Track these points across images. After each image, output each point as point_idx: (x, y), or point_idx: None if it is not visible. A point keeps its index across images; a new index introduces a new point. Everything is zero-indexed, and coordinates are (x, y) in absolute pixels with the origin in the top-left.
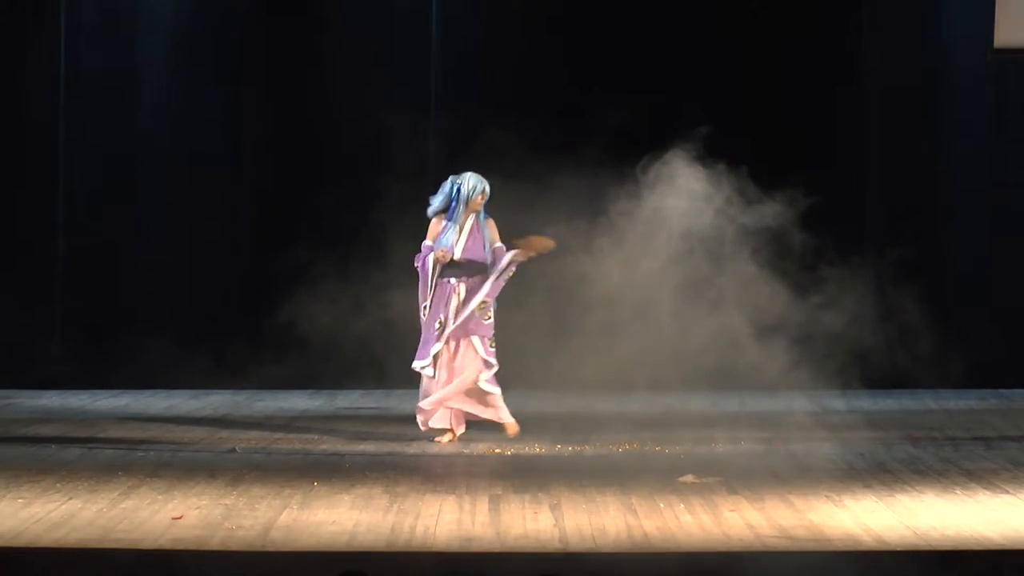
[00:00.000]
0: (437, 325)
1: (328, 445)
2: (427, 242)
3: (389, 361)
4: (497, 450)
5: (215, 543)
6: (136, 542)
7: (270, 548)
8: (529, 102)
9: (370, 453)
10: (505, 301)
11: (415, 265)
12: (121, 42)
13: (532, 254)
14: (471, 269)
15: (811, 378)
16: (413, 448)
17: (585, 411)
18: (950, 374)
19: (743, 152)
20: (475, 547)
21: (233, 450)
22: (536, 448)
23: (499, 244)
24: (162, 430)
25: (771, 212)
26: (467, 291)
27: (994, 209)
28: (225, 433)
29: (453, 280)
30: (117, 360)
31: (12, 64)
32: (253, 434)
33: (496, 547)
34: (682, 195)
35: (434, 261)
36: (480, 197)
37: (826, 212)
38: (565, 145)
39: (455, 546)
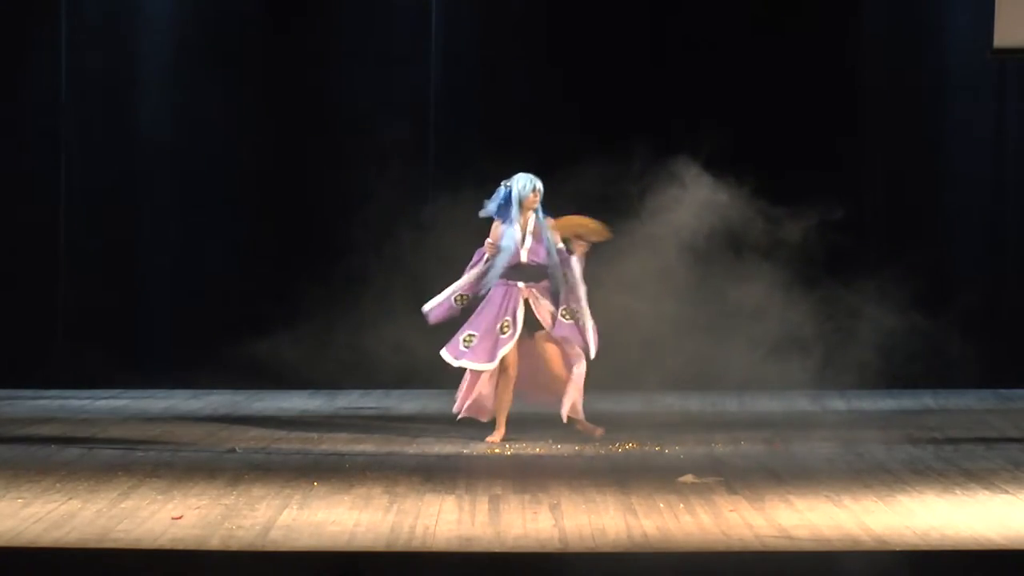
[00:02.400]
0: (502, 328)
1: (328, 445)
2: (490, 240)
3: (390, 361)
4: (497, 450)
5: (215, 543)
6: (136, 542)
7: (270, 548)
8: (529, 103)
9: (370, 453)
10: None
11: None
12: (121, 42)
13: (585, 244)
14: (535, 274)
15: (811, 378)
16: (413, 448)
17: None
18: (950, 374)
19: (742, 154)
20: (475, 547)
21: (233, 450)
22: (536, 448)
23: (562, 246)
24: (162, 430)
25: (769, 215)
26: (535, 298)
27: (994, 209)
28: (225, 433)
29: (521, 284)
30: (117, 360)
31: (13, 64)
32: (253, 434)
33: (496, 547)
34: (682, 199)
35: (486, 255)
36: (533, 195)
37: (825, 213)
38: (565, 145)
39: (455, 546)
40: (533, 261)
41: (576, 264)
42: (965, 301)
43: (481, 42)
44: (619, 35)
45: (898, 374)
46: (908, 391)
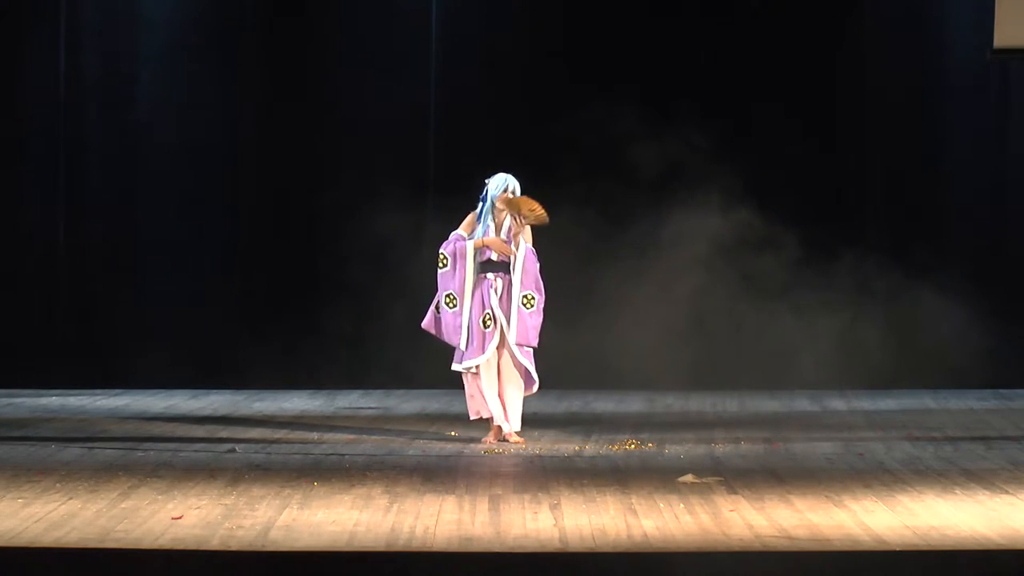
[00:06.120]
0: (484, 320)
1: (328, 445)
2: (458, 231)
3: (390, 361)
4: (497, 450)
5: (215, 543)
6: (136, 542)
7: (270, 548)
8: (529, 102)
9: (370, 453)
10: None
11: (442, 251)
12: (121, 42)
13: (520, 218)
14: (505, 268)
15: (812, 378)
16: (413, 448)
17: (585, 411)
18: (950, 374)
19: (742, 153)
20: (475, 547)
21: (233, 450)
22: (536, 448)
23: (530, 246)
24: (162, 430)
25: (769, 213)
26: (504, 288)
27: (994, 209)
28: (225, 433)
29: (490, 275)
30: (117, 360)
31: (12, 64)
32: (253, 434)
33: (496, 547)
34: (685, 194)
35: (473, 248)
36: (506, 195)
37: (826, 213)
38: (565, 145)
39: (455, 546)
40: (502, 259)
41: (525, 251)
42: (965, 300)
43: (481, 43)
44: (619, 36)
45: (897, 373)
46: (908, 391)
